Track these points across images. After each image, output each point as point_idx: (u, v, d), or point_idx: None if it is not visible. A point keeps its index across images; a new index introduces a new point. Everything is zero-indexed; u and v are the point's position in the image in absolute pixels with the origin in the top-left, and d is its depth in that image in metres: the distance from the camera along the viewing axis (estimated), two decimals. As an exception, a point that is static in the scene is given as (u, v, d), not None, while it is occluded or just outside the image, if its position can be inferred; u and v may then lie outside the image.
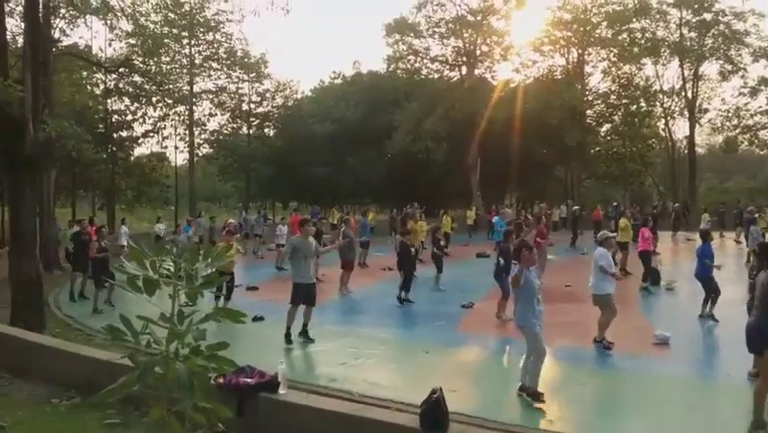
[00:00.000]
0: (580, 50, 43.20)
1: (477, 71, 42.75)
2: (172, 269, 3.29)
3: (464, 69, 42.77)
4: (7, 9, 16.21)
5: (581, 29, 41.75)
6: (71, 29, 27.81)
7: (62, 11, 24.75)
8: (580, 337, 9.68)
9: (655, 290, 14.27)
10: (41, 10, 13.33)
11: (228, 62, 42.48)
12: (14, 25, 22.13)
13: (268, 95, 46.48)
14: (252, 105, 46.26)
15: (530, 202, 50.08)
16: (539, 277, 7.32)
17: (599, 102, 44.46)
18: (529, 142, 39.89)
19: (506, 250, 11.69)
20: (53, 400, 6.78)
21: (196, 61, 41.57)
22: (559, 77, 43.62)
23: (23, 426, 5.95)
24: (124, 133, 40.08)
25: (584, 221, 28.66)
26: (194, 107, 42.24)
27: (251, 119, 46.47)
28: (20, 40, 21.52)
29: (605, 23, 41.76)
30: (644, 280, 14.40)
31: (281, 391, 5.72)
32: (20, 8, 21.02)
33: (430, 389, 5.35)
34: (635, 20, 40.86)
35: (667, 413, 6.74)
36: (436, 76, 45.11)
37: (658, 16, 41.48)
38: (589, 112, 44.04)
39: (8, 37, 13.00)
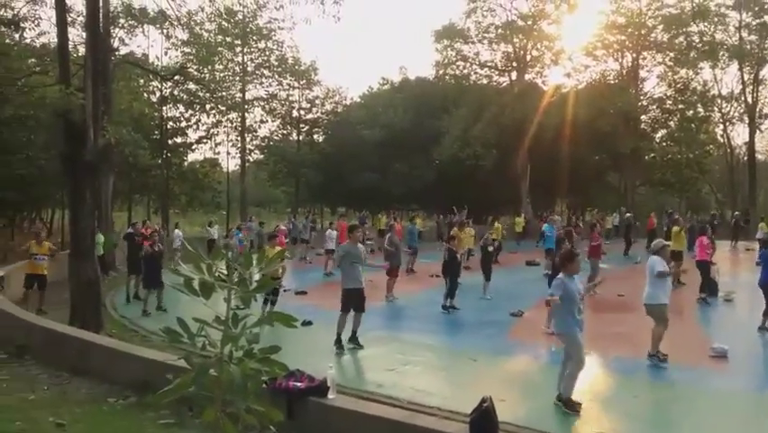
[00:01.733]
0: (634, 55, 42.28)
1: (527, 76, 42.30)
2: (226, 273, 3.34)
3: (514, 75, 42.41)
4: (69, 19, 16.85)
5: (636, 33, 40.87)
6: (130, 38, 28.74)
7: (121, 21, 25.60)
8: (633, 348, 9.43)
9: (713, 302, 13.81)
10: (101, 20, 13.76)
11: (279, 70, 43.14)
12: (76, 35, 23.05)
13: (317, 101, 47.02)
14: (302, 112, 46.84)
15: (581, 209, 49.19)
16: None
17: (655, 107, 43.40)
18: (580, 149, 39.22)
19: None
20: (110, 399, 6.98)
21: (249, 69, 42.34)
22: (612, 81, 42.78)
23: (82, 424, 6.12)
24: (179, 140, 41.09)
25: (638, 229, 27.96)
26: (246, 114, 43.03)
27: (301, 125, 47.05)
28: (81, 49, 22.39)
29: (661, 27, 40.75)
30: (702, 291, 13.94)
31: (330, 395, 5.76)
32: (81, 18, 21.88)
33: (478, 397, 5.31)
34: (692, 23, 39.76)
35: (723, 428, 6.51)
36: (485, 81, 44.80)
37: (717, 19, 40.31)
38: (643, 117, 43.05)
39: (70, 46, 13.49)
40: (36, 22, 23.27)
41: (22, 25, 23.86)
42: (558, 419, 6.61)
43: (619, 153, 39.26)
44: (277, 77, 43.75)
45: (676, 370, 8.55)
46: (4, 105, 23.08)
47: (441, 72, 44.08)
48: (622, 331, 10.78)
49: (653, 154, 43.52)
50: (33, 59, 27.38)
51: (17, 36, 25.25)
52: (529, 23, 40.44)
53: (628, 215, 28.13)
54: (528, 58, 41.86)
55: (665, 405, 7.56)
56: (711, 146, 45.29)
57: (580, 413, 6.58)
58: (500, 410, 5.40)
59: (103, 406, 6.78)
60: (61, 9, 11.91)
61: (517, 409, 6.74)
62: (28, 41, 26.61)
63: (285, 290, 15.06)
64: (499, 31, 41.29)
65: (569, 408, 6.61)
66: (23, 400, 7.05)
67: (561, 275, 7.01)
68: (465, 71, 44.29)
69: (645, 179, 44.72)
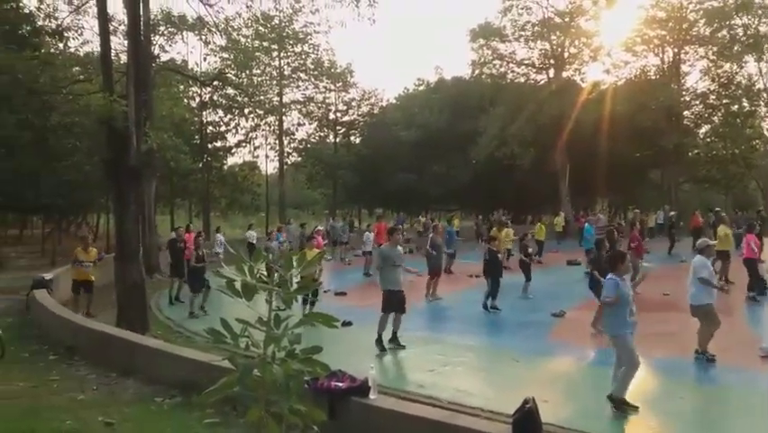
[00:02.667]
0: (675, 49, 41.28)
1: (565, 74, 41.74)
2: (268, 274, 3.38)
3: (551, 72, 41.87)
4: (111, 28, 17.24)
5: (677, 27, 39.91)
6: (169, 45, 29.40)
7: (161, 28, 26.15)
8: (679, 349, 9.22)
9: (762, 300, 13.38)
10: (142, 28, 14.06)
11: (315, 73, 43.49)
12: (118, 43, 23.60)
13: (353, 103, 47.29)
14: (339, 114, 47.16)
15: (623, 207, 48.30)
16: (633, 287, 7.05)
17: (698, 102, 42.28)
18: (621, 146, 38.52)
19: (597, 259, 11.37)
20: (157, 399, 7.12)
21: (285, 73, 42.80)
22: (653, 77, 41.88)
23: (130, 423, 6.26)
24: (218, 144, 41.79)
25: (682, 227, 27.31)
26: (283, 117, 43.50)
27: (338, 127, 47.37)
28: (123, 57, 22.92)
29: (703, 21, 39.72)
30: (751, 290, 13.53)
31: (372, 395, 5.77)
32: (123, 27, 22.42)
33: (519, 398, 5.26)
34: (735, 16, 38.65)
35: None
36: (522, 80, 44.32)
37: (760, 12, 39.04)
38: (686, 113, 42.01)
39: (112, 54, 13.80)
40: (79, 31, 24.01)
41: (66, 35, 24.58)
42: (602, 420, 6.49)
43: (661, 150, 38.40)
44: (313, 80, 44.15)
45: (724, 371, 8.32)
46: (51, 113, 23.80)
47: (477, 71, 43.78)
48: (667, 331, 10.53)
49: (696, 150, 42.42)
50: (77, 68, 28.16)
51: (61, 45, 26.03)
52: (566, 19, 39.89)
53: (672, 213, 27.48)
54: (566, 55, 41.30)
55: (712, 407, 7.37)
56: (757, 141, 43.85)
57: (626, 415, 6.45)
58: (543, 411, 5.33)
59: (150, 405, 6.92)
60: (104, 18, 12.20)
61: (560, 410, 6.65)
62: (72, 50, 27.42)
63: (325, 291, 15.18)
64: (536, 28, 40.81)
65: (619, 408, 6.51)
66: (73, 400, 7.24)
67: (612, 275, 6.88)
68: (502, 70, 43.92)
69: (689, 175, 43.66)
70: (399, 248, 10.19)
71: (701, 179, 44.21)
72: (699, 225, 25.65)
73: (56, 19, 23.71)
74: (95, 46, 27.46)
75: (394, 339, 9.83)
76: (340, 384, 5.86)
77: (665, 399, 7.34)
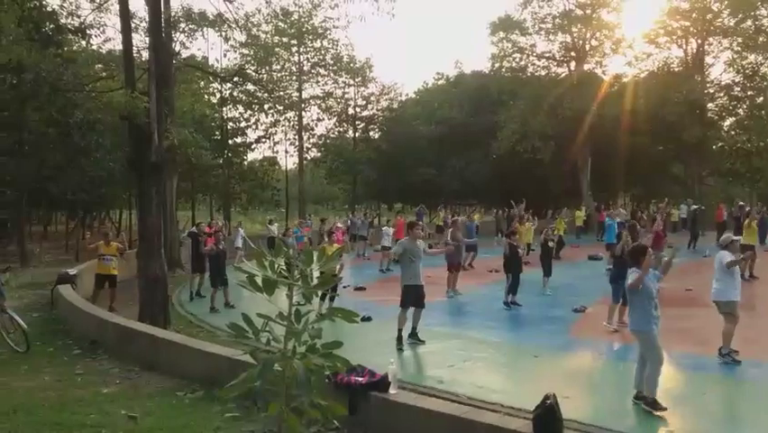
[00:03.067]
0: (699, 41, 40.66)
1: (586, 66, 41.23)
2: (288, 270, 3.39)
3: (572, 65, 41.44)
4: (133, 25, 17.40)
5: (701, 18, 39.29)
6: (190, 42, 29.64)
7: (182, 25, 26.31)
8: (702, 344, 9.11)
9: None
10: (163, 25, 14.16)
11: (334, 68, 43.50)
12: (139, 40, 23.87)
13: (373, 98, 47.20)
14: (358, 109, 47.11)
15: (645, 201, 47.71)
16: (659, 280, 6.95)
17: (722, 95, 41.61)
18: (643, 139, 38.07)
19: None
20: (179, 393, 7.20)
21: (305, 68, 42.86)
22: (676, 69, 41.31)
23: (153, 417, 6.34)
24: (239, 140, 41.99)
25: (705, 221, 26.94)
26: (303, 113, 43.59)
27: (357, 122, 47.34)
28: (144, 54, 23.14)
29: (727, 11, 39.07)
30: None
31: (392, 390, 5.78)
32: (144, 24, 22.63)
33: (540, 394, 5.23)
34: (761, 6, 37.95)
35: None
36: (543, 73, 43.89)
37: (787, 2, 38.34)
38: (710, 105, 41.36)
39: (134, 51, 13.92)
40: (102, 29, 24.21)
41: (88, 33, 24.88)
42: (624, 416, 6.44)
43: (684, 143, 37.87)
44: (332, 75, 44.15)
45: (748, 366, 8.19)
46: (74, 110, 24.11)
47: (497, 65, 43.40)
48: (690, 326, 10.42)
49: (720, 143, 41.77)
50: (100, 65, 28.51)
51: (84, 43, 26.34)
52: (588, 11, 39.44)
53: (694, 207, 27.13)
54: (587, 47, 40.83)
55: (736, 402, 7.28)
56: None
57: (649, 412, 6.39)
58: (564, 407, 5.30)
59: (172, 399, 7.01)
60: (126, 16, 12.30)
61: (582, 406, 6.61)
62: (94, 47, 27.75)
63: (344, 286, 15.22)
64: (557, 21, 40.36)
65: (654, 408, 6.38)
66: (97, 394, 7.35)
67: (635, 269, 6.79)
68: (522, 63, 43.50)
69: (713, 169, 43.03)
70: (420, 242, 10.15)
71: (725, 173, 43.51)
72: (724, 219, 25.31)
73: (78, 17, 24.05)
74: (116, 43, 27.86)
75: (413, 334, 9.82)
76: (360, 379, 5.88)
77: (688, 394, 7.26)
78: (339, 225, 22.80)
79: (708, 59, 41.57)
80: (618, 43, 40.54)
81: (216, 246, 14.40)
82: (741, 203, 26.82)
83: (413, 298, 9.74)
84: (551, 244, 15.49)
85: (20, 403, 6.81)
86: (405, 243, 10.19)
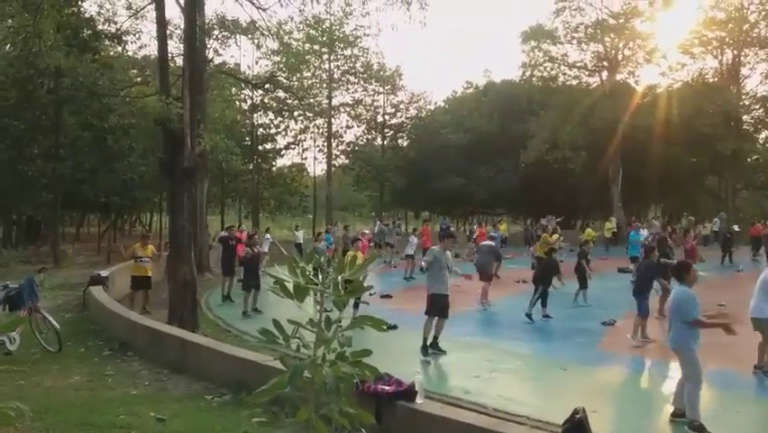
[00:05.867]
0: (735, 51, 40.02)
1: (618, 76, 40.81)
2: (318, 276, 3.40)
3: (605, 75, 41.04)
4: (168, 32, 17.70)
5: (737, 28, 38.68)
6: (223, 49, 30.12)
7: (215, 32, 26.70)
8: (735, 361, 8.89)
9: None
10: (197, 33, 14.37)
11: (364, 76, 43.71)
12: (174, 47, 24.22)
13: (402, 106, 47.34)
14: (387, 117, 47.26)
15: (677, 214, 46.92)
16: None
17: (758, 106, 40.87)
18: (676, 150, 37.53)
19: (645, 267, 11.18)
20: (207, 397, 7.25)
21: (335, 76, 43.16)
22: (711, 80, 40.67)
23: (180, 419, 6.39)
24: (268, 146, 42.40)
25: (739, 237, 26.33)
26: (332, 120, 43.85)
27: (386, 130, 47.48)
28: (178, 60, 23.51)
29: (764, 22, 38.38)
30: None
31: (418, 400, 5.75)
32: (178, 32, 23.00)
33: (568, 408, 5.17)
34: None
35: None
36: (574, 82, 43.58)
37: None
38: (745, 117, 40.67)
39: (168, 57, 14.14)
40: (137, 35, 24.67)
41: (124, 39, 25.37)
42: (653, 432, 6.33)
43: (719, 155, 37.28)
44: (362, 83, 44.40)
45: (784, 385, 7.99)
46: (109, 115, 24.59)
47: (528, 74, 43.18)
48: (723, 343, 10.09)
49: (756, 156, 41.03)
50: (135, 71, 29.03)
51: (120, 49, 26.86)
52: (621, 21, 39.04)
53: (734, 227, 26.41)
54: (620, 57, 40.39)
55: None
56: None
57: (682, 428, 6.25)
58: (593, 422, 5.23)
59: (200, 403, 7.06)
60: (162, 23, 12.53)
61: (611, 421, 6.51)
62: (130, 53, 28.27)
63: (371, 294, 15.19)
64: (589, 30, 40.02)
65: (698, 431, 6.18)
66: (127, 395, 7.45)
67: (683, 287, 6.62)
68: (553, 72, 43.18)
69: (748, 182, 42.24)
70: (448, 253, 10.12)
71: (760, 186, 42.69)
72: (759, 234, 24.72)
73: (115, 23, 24.54)
74: (152, 50, 28.31)
75: (434, 345, 9.74)
76: (386, 388, 5.87)
77: (721, 413, 7.09)
78: (365, 231, 22.78)
79: (744, 71, 40.97)
80: (652, 53, 40.07)
81: (252, 250, 14.44)
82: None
83: (438, 307, 9.69)
84: (589, 256, 15.34)
85: (51, 403, 6.92)
86: (435, 251, 10.14)
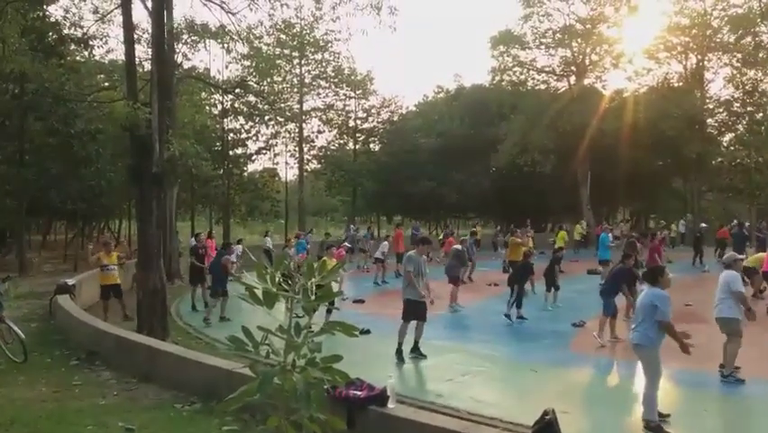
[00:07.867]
0: (699, 56, 40.91)
1: (586, 81, 41.49)
2: (288, 282, 3.40)
3: (572, 79, 41.65)
4: (135, 37, 17.49)
5: (701, 34, 39.57)
6: (192, 53, 29.66)
7: (184, 36, 26.40)
8: (701, 360, 8.97)
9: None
10: (166, 37, 14.21)
11: (336, 80, 43.61)
12: (142, 51, 23.94)
13: (373, 111, 47.30)
14: (358, 122, 47.21)
15: (645, 216, 47.77)
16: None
17: (721, 110, 41.81)
18: (643, 154, 38.22)
19: (618, 270, 11.45)
20: (176, 405, 7.16)
21: (306, 80, 42.97)
22: (676, 84, 41.52)
23: (150, 429, 6.30)
24: (239, 151, 42.01)
25: (707, 235, 26.84)
26: (303, 124, 43.68)
27: (358, 135, 47.41)
28: (146, 65, 23.21)
29: (727, 28, 39.33)
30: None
31: (390, 405, 5.76)
32: (146, 36, 22.73)
33: (539, 409, 5.22)
34: (760, 23, 38.20)
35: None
36: (543, 87, 44.15)
37: (786, 19, 38.57)
38: (709, 121, 41.58)
39: (136, 62, 13.94)
40: (104, 40, 24.21)
41: (91, 43, 24.96)
42: (623, 432, 6.42)
43: (684, 158, 38.04)
44: (333, 87, 44.27)
45: (750, 383, 8.14)
46: (75, 120, 24.16)
47: (497, 79, 43.62)
48: (689, 342, 10.37)
49: (720, 159, 41.93)
50: (102, 76, 28.59)
51: (87, 54, 26.43)
52: (588, 26, 39.70)
53: (702, 225, 26.89)
54: (587, 62, 41.05)
55: (737, 419, 7.26)
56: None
57: (648, 428, 6.33)
58: (563, 423, 5.29)
59: (169, 412, 6.97)
60: (129, 27, 12.35)
61: (581, 421, 6.59)
62: (97, 58, 27.83)
63: (343, 299, 15.17)
64: (557, 35, 40.60)
65: (656, 431, 6.19)
66: (95, 405, 7.32)
67: (659, 290, 6.61)
68: (522, 77, 43.72)
69: (712, 184, 43.14)
70: (423, 258, 10.16)
71: (724, 188, 43.61)
72: (725, 237, 25.15)
73: (81, 28, 24.10)
74: (119, 54, 27.86)
75: (415, 349, 9.75)
76: (358, 393, 5.86)
77: (688, 411, 7.23)
78: (347, 244, 22.65)
79: (708, 75, 41.91)
80: (618, 58, 40.78)
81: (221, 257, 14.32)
82: (734, 222, 26.74)
83: (414, 311, 9.71)
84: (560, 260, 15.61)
85: (17, 414, 6.78)
86: (413, 256, 10.14)
